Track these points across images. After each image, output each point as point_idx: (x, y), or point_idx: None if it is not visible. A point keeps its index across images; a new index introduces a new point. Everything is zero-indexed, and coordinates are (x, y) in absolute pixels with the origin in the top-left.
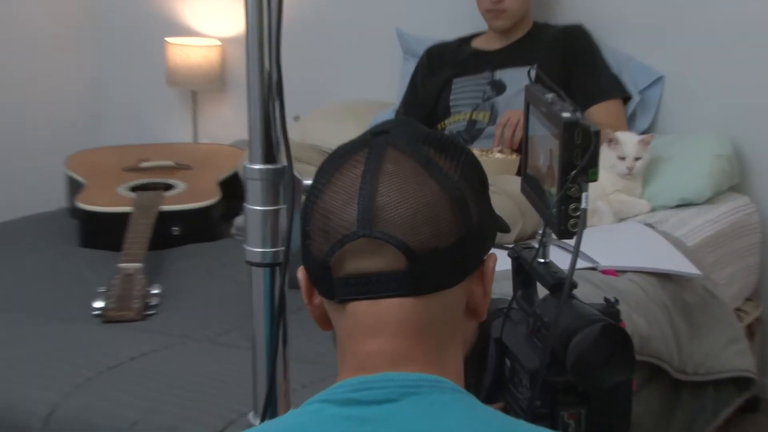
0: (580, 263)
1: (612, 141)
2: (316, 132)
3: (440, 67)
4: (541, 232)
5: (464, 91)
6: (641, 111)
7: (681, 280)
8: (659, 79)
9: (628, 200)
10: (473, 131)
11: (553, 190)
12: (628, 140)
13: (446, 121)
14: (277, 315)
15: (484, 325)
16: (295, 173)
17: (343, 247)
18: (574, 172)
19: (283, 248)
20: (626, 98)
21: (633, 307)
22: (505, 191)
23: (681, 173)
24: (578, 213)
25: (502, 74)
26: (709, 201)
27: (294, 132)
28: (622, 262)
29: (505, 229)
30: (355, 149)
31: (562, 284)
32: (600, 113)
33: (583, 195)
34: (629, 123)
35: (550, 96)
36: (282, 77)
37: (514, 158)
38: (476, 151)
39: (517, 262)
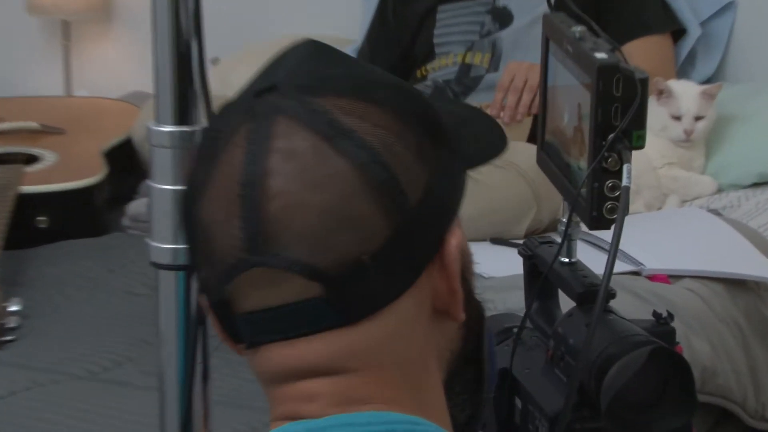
0: (619, 266)
1: (662, 93)
2: (242, 81)
3: (410, 15)
4: (565, 220)
5: (454, 24)
6: (703, 51)
7: (760, 289)
8: (730, 5)
9: (685, 177)
10: (467, 80)
11: (583, 162)
12: (686, 92)
13: (429, 66)
14: (194, 338)
15: (471, 320)
16: None
17: (233, 280)
18: (612, 136)
19: None
20: (678, 32)
21: (692, 327)
22: (513, 165)
23: (759, 139)
24: (617, 193)
25: None
26: None
27: (211, 79)
28: (676, 264)
29: (489, 152)
30: (231, 124)
31: (594, 293)
32: (639, 54)
33: (625, 168)
34: (686, 69)
35: (578, 29)
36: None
37: (525, 119)
38: None
39: (532, 263)
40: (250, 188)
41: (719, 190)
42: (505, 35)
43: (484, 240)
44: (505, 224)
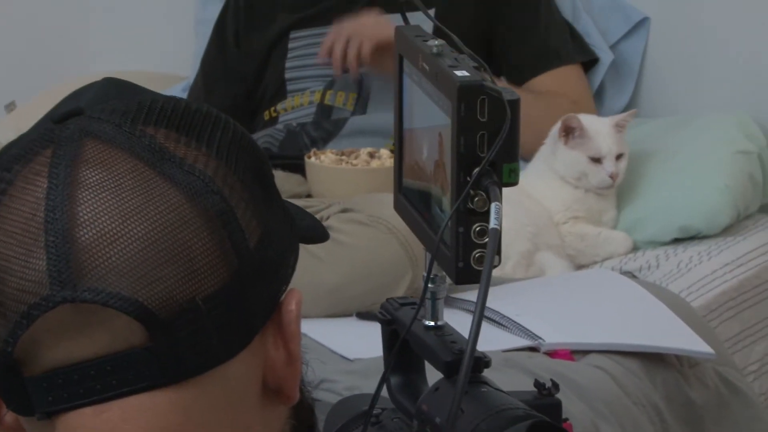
0: (513, 340)
1: (571, 133)
2: None
3: (268, 10)
4: (426, 273)
5: (310, 54)
6: (613, 80)
7: (683, 366)
8: (642, 23)
9: (595, 234)
10: (327, 124)
11: (446, 203)
12: (600, 128)
13: (279, 106)
14: None
15: (301, 410)
16: None
17: (31, 325)
18: (477, 171)
19: None
20: (589, 62)
21: (601, 412)
22: (381, 221)
23: (680, 185)
24: (485, 238)
25: None
26: (727, 231)
27: (5, 127)
28: (581, 337)
29: (319, 236)
30: (28, 152)
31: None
32: (549, 87)
33: (493, 207)
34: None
35: (436, 43)
36: None
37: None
38: (331, 156)
39: (392, 330)
40: (57, 213)
41: (634, 249)
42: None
43: (348, 315)
44: (374, 294)
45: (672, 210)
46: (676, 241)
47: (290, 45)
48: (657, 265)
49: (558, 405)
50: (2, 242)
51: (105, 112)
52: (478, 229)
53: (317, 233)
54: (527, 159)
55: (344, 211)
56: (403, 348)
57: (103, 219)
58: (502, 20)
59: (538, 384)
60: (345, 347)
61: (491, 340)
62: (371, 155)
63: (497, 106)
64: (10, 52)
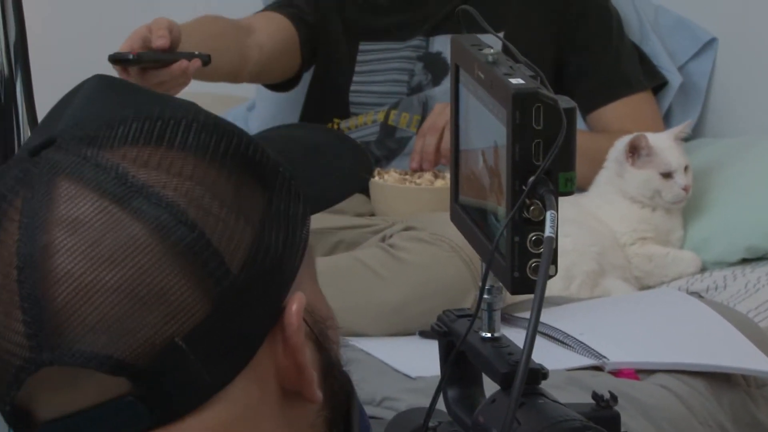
0: (577, 359)
1: (637, 152)
2: None
3: (331, 22)
4: (481, 284)
5: (378, 71)
6: (680, 102)
7: (750, 386)
8: (710, 44)
9: (662, 254)
10: (390, 143)
11: (502, 213)
12: (664, 143)
13: (342, 124)
14: None
15: (335, 400)
16: None
17: (22, 386)
18: (533, 179)
19: None
20: (658, 86)
21: (665, 431)
22: (445, 239)
23: (747, 205)
24: (541, 248)
25: (443, 43)
26: None
27: None
28: (646, 356)
29: (353, 180)
30: (3, 197)
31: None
32: (620, 116)
33: (548, 215)
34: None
35: (491, 52)
36: (26, 31)
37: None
38: (395, 175)
39: (448, 342)
40: (28, 272)
41: (701, 269)
42: (440, 92)
43: (410, 333)
44: (437, 312)
45: (739, 230)
46: (744, 261)
47: (359, 58)
48: (724, 285)
49: (616, 417)
50: None
51: (74, 141)
52: (533, 238)
53: (347, 184)
54: (584, 189)
55: (407, 229)
56: (461, 360)
57: (75, 271)
58: (572, 46)
59: (596, 396)
60: (407, 365)
61: (554, 359)
62: (435, 175)
63: (553, 113)
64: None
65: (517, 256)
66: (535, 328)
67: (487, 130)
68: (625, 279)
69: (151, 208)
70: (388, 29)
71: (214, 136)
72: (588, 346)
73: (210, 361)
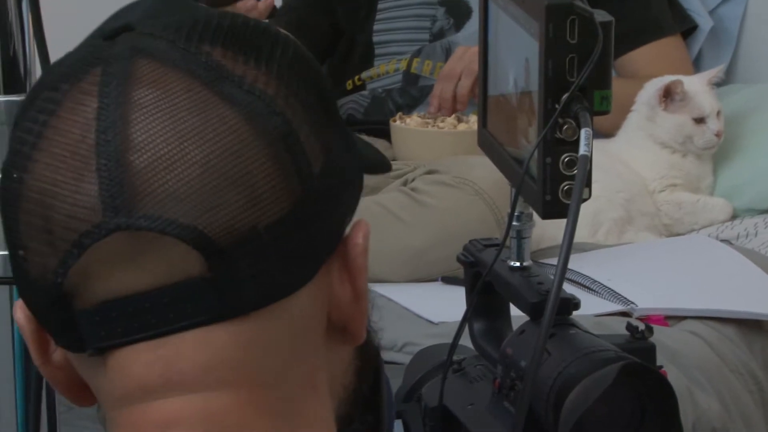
0: (605, 305)
1: (670, 95)
2: None
3: None
4: (510, 210)
5: (399, 17)
6: (711, 47)
7: None
8: None
9: (693, 201)
10: (413, 91)
11: (533, 134)
12: (699, 87)
13: (364, 75)
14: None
15: (366, 351)
16: None
17: (83, 254)
18: (566, 96)
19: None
20: (688, 30)
21: (696, 380)
22: (468, 182)
23: None
24: (575, 169)
25: None
26: None
27: None
28: (675, 302)
29: (381, 166)
30: (76, 71)
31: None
32: (653, 60)
33: (583, 133)
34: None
35: None
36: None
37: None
38: (417, 119)
39: (475, 272)
40: (109, 136)
41: (732, 216)
42: (463, 38)
43: (433, 279)
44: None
45: None
46: None
47: (379, 6)
48: (756, 233)
49: (652, 349)
50: (51, 166)
51: (157, 28)
52: (567, 159)
53: (379, 163)
54: (611, 135)
55: (430, 172)
56: (487, 291)
57: (158, 142)
58: None
59: (630, 327)
60: (430, 311)
61: (582, 305)
62: (458, 119)
63: (589, 27)
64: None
65: (549, 178)
66: (567, 254)
67: (518, 47)
68: (654, 227)
69: (243, 95)
70: None
71: (293, 54)
72: (616, 292)
73: (284, 260)
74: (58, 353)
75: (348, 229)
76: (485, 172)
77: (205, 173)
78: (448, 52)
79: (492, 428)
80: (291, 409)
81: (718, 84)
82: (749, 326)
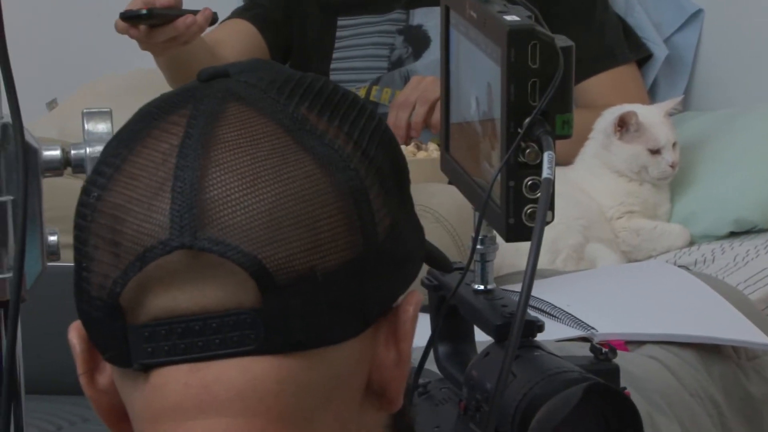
0: (565, 331)
1: (625, 123)
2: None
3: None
4: (475, 234)
5: (358, 47)
6: (666, 75)
7: (740, 359)
8: (696, 15)
9: (650, 228)
10: None
11: (495, 158)
12: (654, 118)
13: None
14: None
15: (401, 423)
16: (29, 137)
17: (145, 267)
18: (528, 120)
19: (9, 274)
20: (643, 58)
21: (656, 404)
22: (429, 210)
23: (734, 178)
24: (538, 192)
25: (424, 15)
26: None
27: (48, 125)
28: (635, 327)
29: (445, 265)
30: (169, 106)
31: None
32: (605, 89)
33: (546, 156)
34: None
35: None
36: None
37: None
38: None
39: (439, 297)
40: (188, 161)
41: (689, 243)
42: (422, 66)
43: None
44: (419, 284)
45: (726, 203)
46: (732, 234)
47: (337, 34)
48: (713, 258)
49: (616, 370)
50: (129, 184)
51: (252, 78)
52: (529, 183)
53: (443, 260)
54: (569, 163)
55: None
56: (452, 315)
57: (234, 174)
58: (555, 17)
59: (594, 348)
60: None
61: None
62: (418, 147)
63: (550, 52)
64: (49, 48)
65: (513, 201)
66: (532, 275)
67: (479, 72)
68: (611, 249)
69: (321, 147)
70: (365, 3)
71: (375, 126)
72: (576, 318)
73: (335, 309)
74: (104, 377)
75: (401, 298)
76: (445, 199)
77: (274, 210)
78: (406, 81)
79: None
80: None
81: (672, 113)
82: (708, 351)
